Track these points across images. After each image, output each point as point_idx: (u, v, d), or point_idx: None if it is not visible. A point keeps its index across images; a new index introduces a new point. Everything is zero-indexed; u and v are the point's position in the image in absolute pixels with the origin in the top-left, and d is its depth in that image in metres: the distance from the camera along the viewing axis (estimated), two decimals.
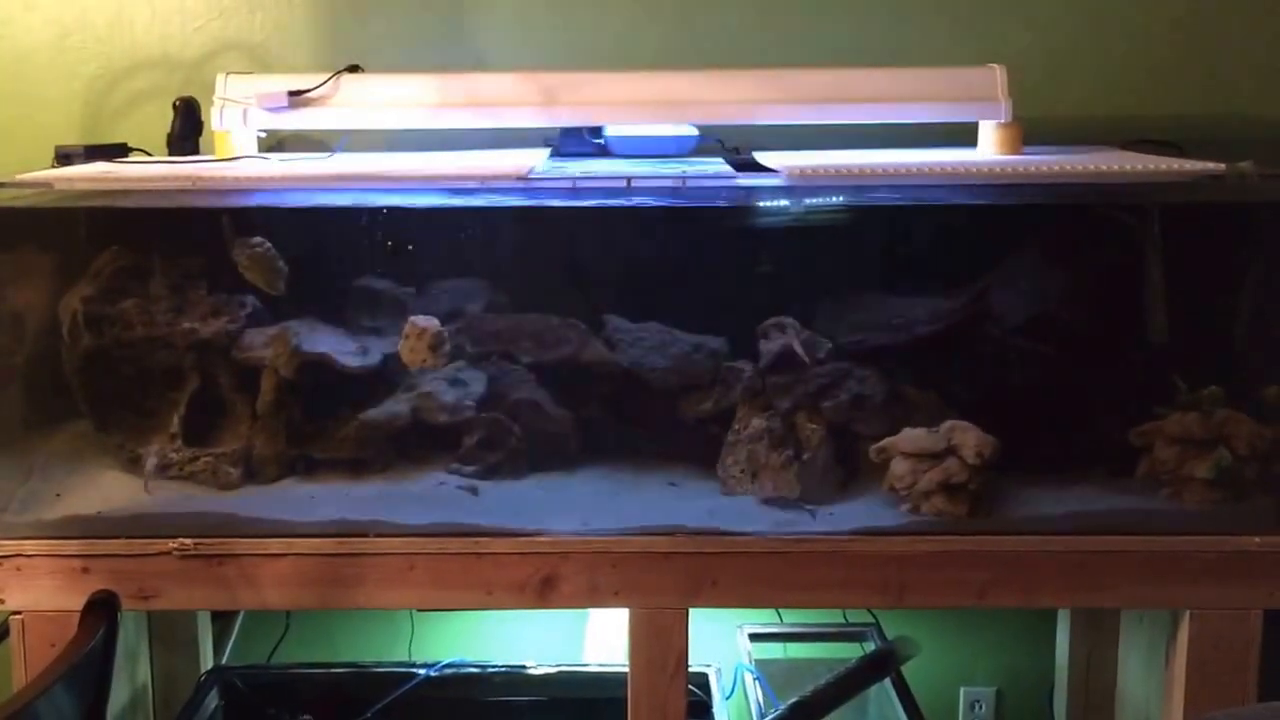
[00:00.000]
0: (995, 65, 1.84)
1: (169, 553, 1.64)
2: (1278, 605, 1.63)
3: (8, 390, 1.82)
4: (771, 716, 1.82)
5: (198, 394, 1.80)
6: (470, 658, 2.09)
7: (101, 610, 1.43)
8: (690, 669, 1.67)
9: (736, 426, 1.78)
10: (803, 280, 1.84)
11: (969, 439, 1.67)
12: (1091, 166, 1.71)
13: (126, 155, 2.02)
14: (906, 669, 1.93)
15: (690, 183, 1.72)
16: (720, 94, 1.85)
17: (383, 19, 2.13)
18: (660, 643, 1.65)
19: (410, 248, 1.87)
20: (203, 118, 2.00)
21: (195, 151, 2.00)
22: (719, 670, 2.01)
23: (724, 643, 2.10)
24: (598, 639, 2.21)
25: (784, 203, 1.84)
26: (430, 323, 1.78)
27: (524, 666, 2.07)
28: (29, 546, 1.64)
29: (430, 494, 1.74)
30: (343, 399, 1.81)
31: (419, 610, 2.08)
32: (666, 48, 2.13)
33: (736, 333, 1.82)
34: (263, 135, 1.91)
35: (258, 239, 1.80)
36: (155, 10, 2.14)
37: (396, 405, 1.80)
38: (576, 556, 1.64)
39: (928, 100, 1.83)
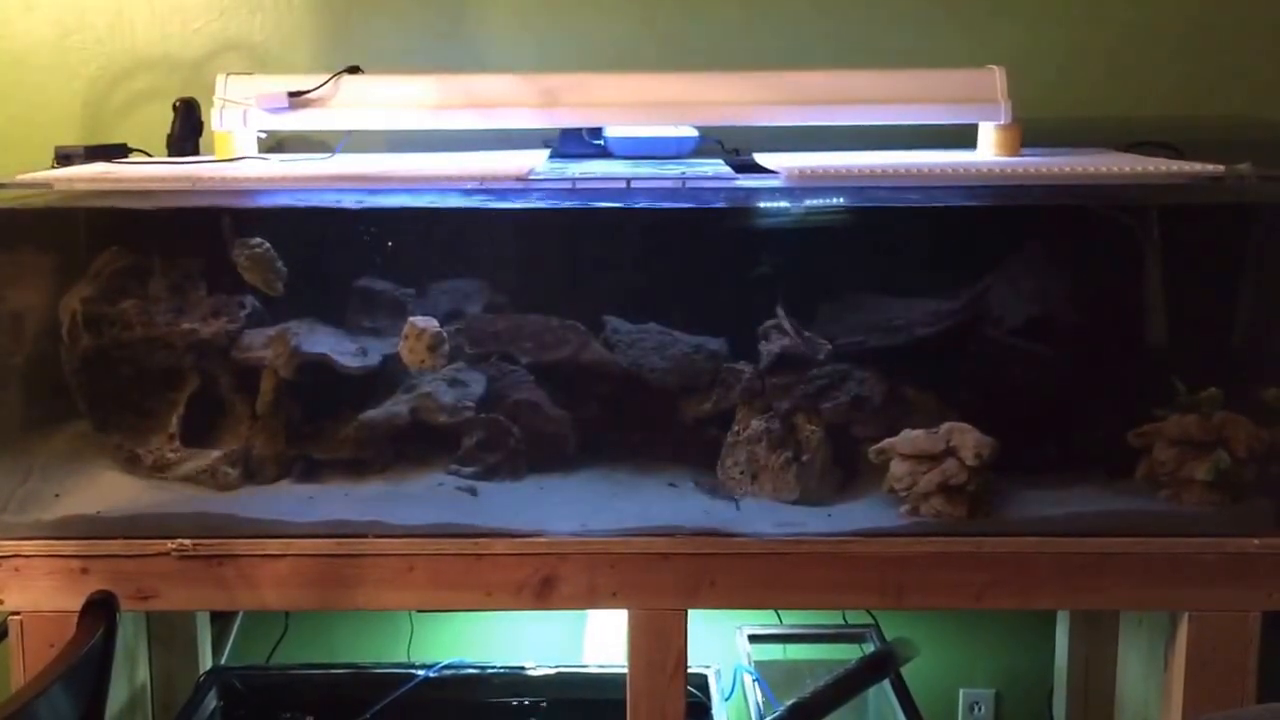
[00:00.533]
0: (994, 67, 1.84)
1: (168, 553, 1.64)
2: (1276, 607, 1.63)
3: (7, 390, 1.82)
4: (771, 718, 1.82)
5: (197, 394, 1.80)
6: (469, 659, 2.09)
7: (100, 611, 1.43)
8: (689, 670, 1.67)
9: (736, 428, 1.78)
10: (802, 281, 1.84)
11: (968, 440, 1.67)
12: (1091, 168, 1.71)
13: (126, 156, 2.02)
14: (906, 670, 1.93)
15: (690, 184, 1.72)
16: (720, 95, 1.85)
17: (383, 20, 2.13)
18: (659, 644, 1.65)
19: (410, 248, 1.87)
20: (203, 118, 2.00)
21: (195, 152, 2.00)
22: (718, 671, 2.01)
23: (723, 644, 2.10)
24: (597, 640, 2.21)
25: (784, 204, 1.84)
26: (429, 323, 1.78)
27: (523, 667, 2.07)
28: (28, 547, 1.64)
29: (429, 495, 1.74)
30: (342, 400, 1.81)
31: (418, 611, 2.08)
32: (666, 49, 2.14)
33: (736, 334, 1.82)
34: (263, 136, 1.90)
35: (257, 239, 1.81)
36: (155, 11, 2.14)
37: (396, 406, 1.80)
38: (575, 557, 1.64)
39: (927, 102, 1.83)
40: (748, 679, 1.98)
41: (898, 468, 1.70)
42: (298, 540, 1.65)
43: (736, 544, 1.65)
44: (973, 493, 1.67)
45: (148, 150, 2.03)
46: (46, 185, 1.75)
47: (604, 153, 1.95)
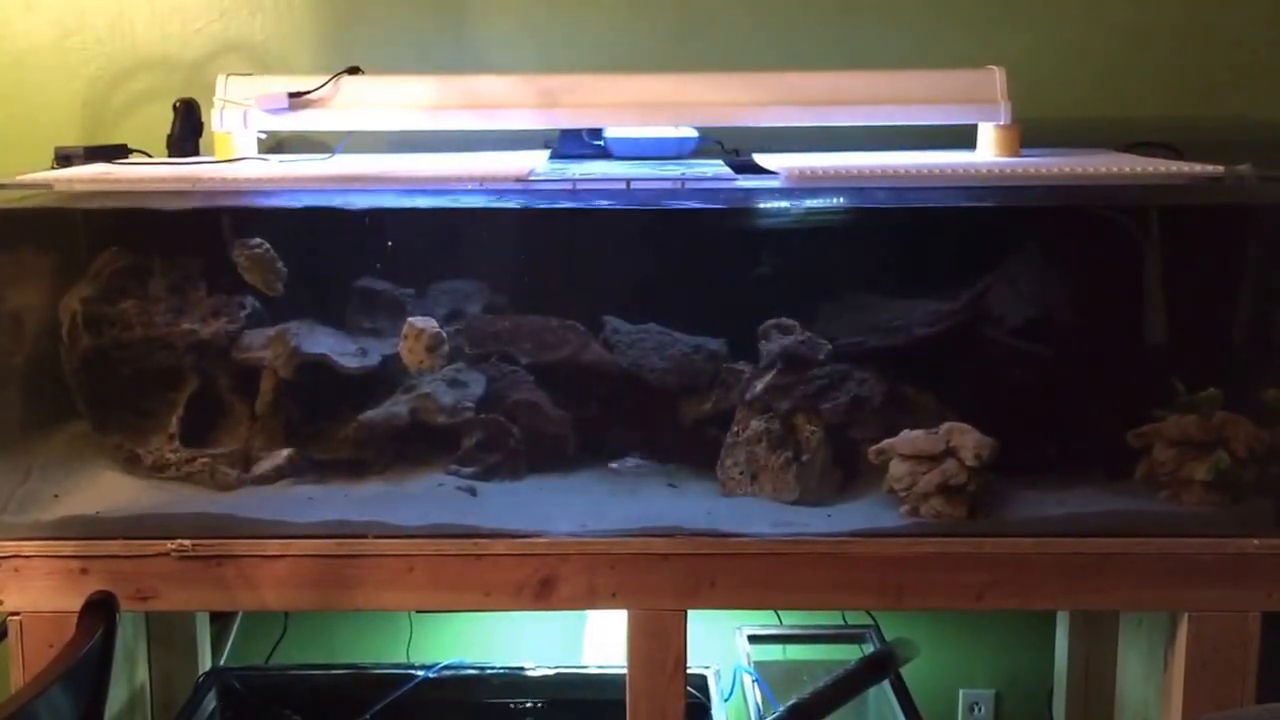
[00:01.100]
0: (994, 67, 1.84)
1: (167, 554, 1.64)
2: (1276, 607, 1.63)
3: (7, 390, 1.82)
4: (771, 718, 1.82)
5: (197, 395, 1.80)
6: (469, 659, 2.09)
7: (99, 611, 1.43)
8: (689, 671, 1.67)
9: (735, 428, 1.78)
10: (802, 282, 1.84)
11: (968, 441, 1.67)
12: (1090, 169, 1.71)
13: (126, 156, 2.02)
14: (905, 671, 1.93)
15: (690, 184, 1.72)
16: (720, 96, 1.85)
17: (383, 21, 2.13)
18: (659, 644, 1.65)
19: (410, 249, 1.88)
20: (203, 119, 2.00)
21: (195, 153, 2.00)
22: (717, 672, 2.01)
23: (723, 644, 2.10)
24: (596, 640, 2.21)
25: (783, 204, 1.84)
26: (428, 324, 1.78)
27: (522, 668, 2.07)
28: (27, 547, 1.64)
29: (429, 495, 1.74)
30: (342, 400, 1.81)
31: (417, 611, 2.08)
32: (666, 50, 2.14)
33: (736, 334, 1.82)
34: (263, 137, 1.90)
35: (257, 240, 1.81)
36: (155, 11, 2.14)
37: (395, 406, 1.80)
38: (575, 558, 1.64)
39: (927, 102, 1.84)
40: (747, 679, 1.98)
41: (897, 468, 1.70)
42: (297, 540, 1.65)
43: (736, 544, 1.65)
44: (972, 493, 1.67)
45: (148, 151, 2.03)
46: (46, 185, 1.75)
47: (604, 153, 1.95)
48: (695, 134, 1.94)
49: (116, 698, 1.79)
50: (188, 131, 2.00)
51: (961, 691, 2.29)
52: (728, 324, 1.84)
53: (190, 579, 1.64)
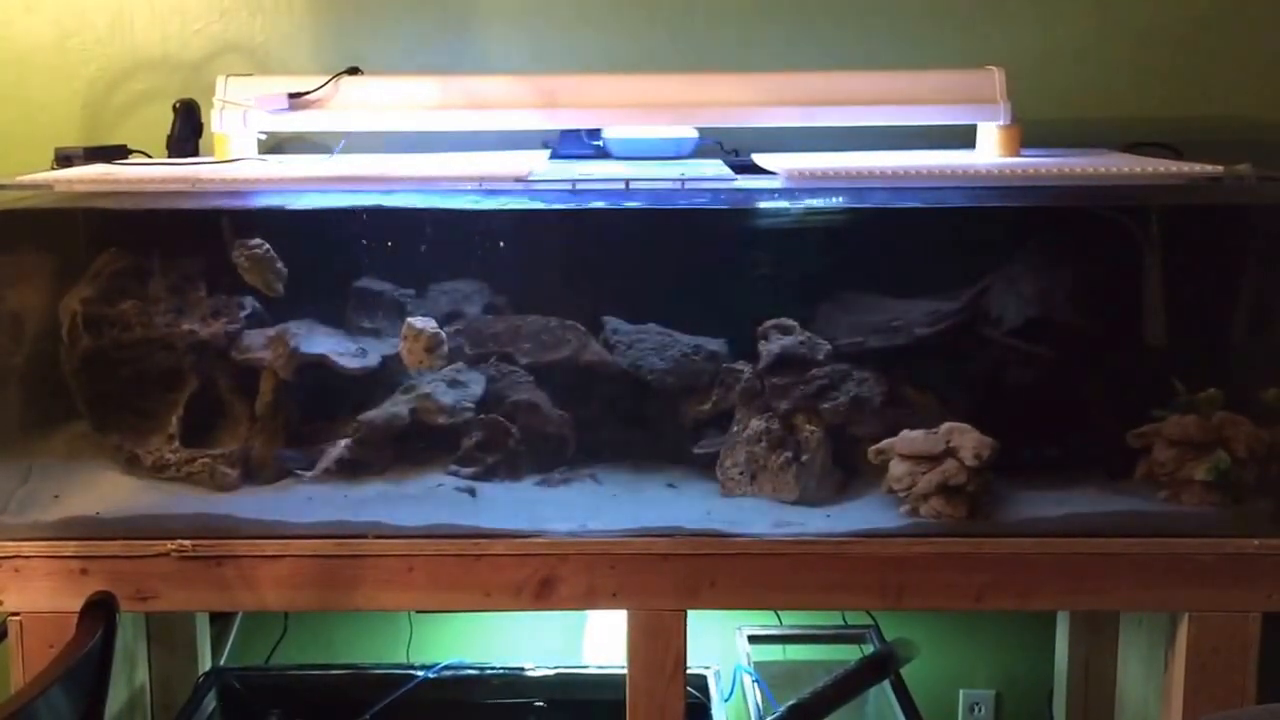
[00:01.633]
0: (994, 67, 1.84)
1: (167, 554, 1.64)
2: (1276, 607, 1.63)
3: (7, 391, 1.82)
4: (770, 718, 1.82)
5: (196, 395, 1.80)
6: (469, 659, 2.09)
7: (99, 611, 1.43)
8: (689, 671, 1.67)
9: (735, 428, 1.78)
10: (802, 282, 1.84)
11: (967, 441, 1.67)
12: (1090, 169, 1.71)
13: (126, 157, 2.02)
14: (905, 671, 1.93)
15: (689, 185, 1.72)
16: (719, 96, 1.85)
17: (382, 21, 2.13)
18: (659, 644, 1.65)
19: (410, 249, 1.88)
20: (203, 119, 2.00)
21: (195, 153, 2.00)
22: (717, 672, 2.01)
23: (722, 644, 2.10)
24: (596, 641, 2.21)
25: (783, 205, 1.84)
26: (427, 324, 1.78)
27: (522, 668, 2.07)
28: (27, 548, 1.64)
29: (429, 495, 1.74)
30: (341, 400, 1.81)
31: (417, 612, 2.08)
32: (666, 50, 2.14)
33: (735, 334, 1.82)
34: (263, 137, 1.91)
35: (257, 240, 1.81)
36: (155, 12, 2.14)
37: (395, 407, 1.80)
38: (575, 558, 1.64)
39: (927, 102, 1.84)
40: (747, 679, 1.98)
41: (897, 468, 1.70)
42: (297, 541, 1.65)
43: (736, 544, 1.65)
44: (972, 493, 1.67)
45: (148, 151, 2.03)
46: (46, 186, 1.75)
47: (603, 154, 1.95)
48: (695, 134, 1.94)
49: (116, 698, 1.79)
50: (188, 132, 2.00)
51: (961, 691, 2.29)
52: (727, 324, 1.84)
53: (190, 579, 1.65)
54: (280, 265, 1.81)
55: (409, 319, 1.79)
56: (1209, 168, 1.72)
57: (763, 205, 1.84)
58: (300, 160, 1.94)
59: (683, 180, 1.72)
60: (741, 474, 1.76)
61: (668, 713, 1.66)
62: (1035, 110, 1.90)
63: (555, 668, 2.07)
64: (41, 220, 1.84)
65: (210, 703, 2.00)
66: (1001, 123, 1.84)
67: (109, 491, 1.73)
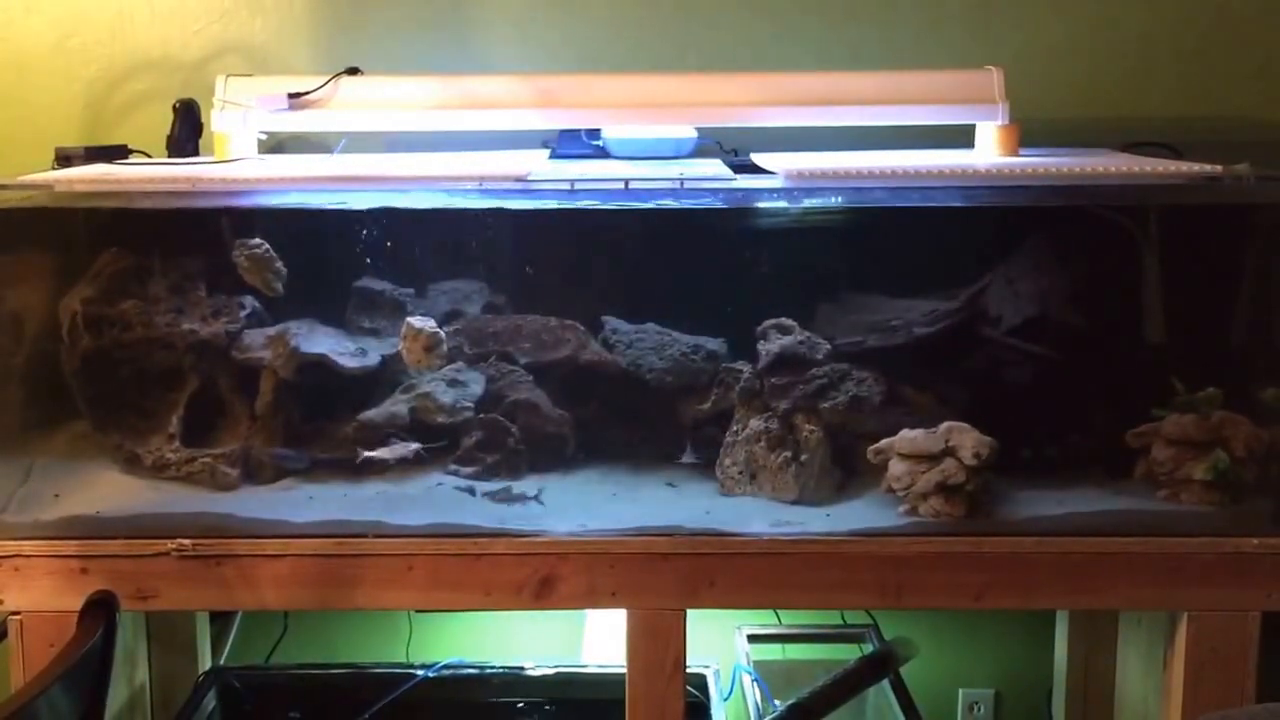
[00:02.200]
0: (993, 67, 1.85)
1: (167, 553, 1.64)
2: (1275, 607, 1.63)
3: (7, 390, 1.82)
4: (770, 718, 1.82)
5: (197, 395, 1.80)
6: (468, 659, 2.09)
7: (100, 611, 1.43)
8: (688, 670, 1.68)
9: (735, 427, 1.78)
10: (801, 282, 1.84)
11: (967, 440, 1.67)
12: (1089, 168, 1.71)
13: (126, 157, 2.02)
14: (905, 670, 1.93)
15: (688, 184, 1.72)
16: (718, 96, 1.85)
17: (382, 22, 2.14)
18: (658, 644, 1.65)
19: (410, 249, 1.88)
20: (203, 119, 2.00)
21: (195, 153, 2.00)
22: (717, 671, 2.01)
23: (722, 644, 2.10)
24: (596, 640, 2.21)
25: (782, 204, 1.84)
26: (426, 324, 1.78)
27: (522, 668, 2.07)
28: (28, 547, 1.64)
29: (428, 495, 1.75)
30: (341, 400, 1.81)
31: (417, 611, 2.08)
32: (666, 50, 2.14)
33: (735, 334, 1.83)
34: (263, 137, 1.91)
35: (257, 240, 1.81)
36: (155, 12, 2.14)
37: (395, 406, 1.81)
38: (574, 557, 1.65)
39: (925, 102, 1.84)
40: (747, 679, 1.98)
41: (896, 467, 1.70)
42: (297, 540, 1.65)
43: (736, 544, 1.65)
44: (971, 492, 1.67)
45: (148, 151, 2.04)
46: (47, 186, 1.75)
47: (602, 153, 1.96)
48: (694, 134, 1.94)
49: (116, 697, 1.80)
50: (188, 132, 2.00)
51: (961, 691, 2.29)
52: (727, 324, 1.84)
53: (190, 579, 1.65)
54: (280, 265, 1.82)
55: (409, 318, 1.79)
56: (1208, 167, 1.72)
57: (762, 205, 1.84)
58: (300, 160, 1.94)
59: (682, 180, 1.72)
60: (741, 473, 1.76)
61: (667, 712, 1.66)
62: (1034, 110, 1.91)
63: (555, 667, 2.07)
64: (42, 220, 1.84)
65: (210, 702, 2.00)
66: (1000, 122, 1.84)
67: (109, 491, 1.74)
